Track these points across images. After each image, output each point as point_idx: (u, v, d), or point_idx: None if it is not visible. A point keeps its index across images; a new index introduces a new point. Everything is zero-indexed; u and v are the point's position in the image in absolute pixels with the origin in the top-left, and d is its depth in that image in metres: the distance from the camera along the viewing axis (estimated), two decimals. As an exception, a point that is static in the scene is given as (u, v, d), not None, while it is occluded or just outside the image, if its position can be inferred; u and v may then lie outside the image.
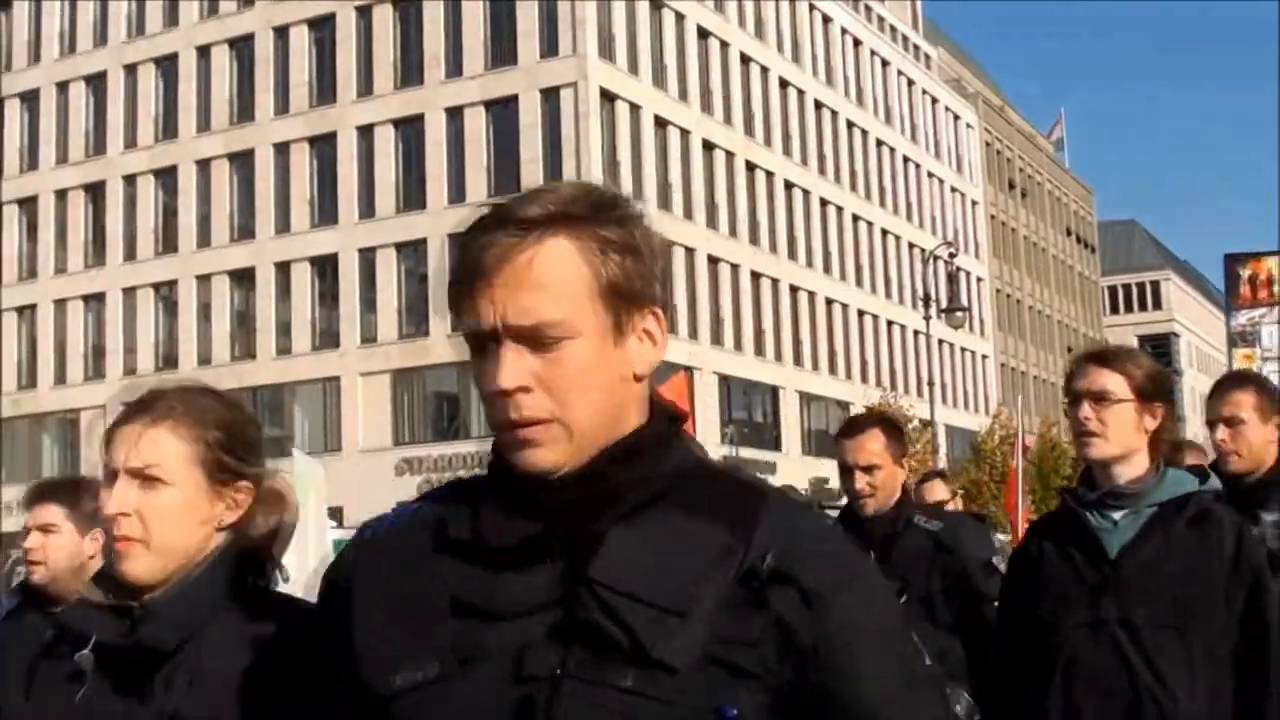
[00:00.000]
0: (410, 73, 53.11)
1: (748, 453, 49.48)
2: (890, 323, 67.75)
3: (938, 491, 10.24)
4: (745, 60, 59.52)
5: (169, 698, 2.32)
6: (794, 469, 53.26)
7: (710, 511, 1.75)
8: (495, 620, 1.74)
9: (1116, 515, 3.96)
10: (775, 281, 59.24)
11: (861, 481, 5.44)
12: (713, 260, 55.16)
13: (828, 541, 1.82)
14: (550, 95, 50.36)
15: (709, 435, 52.42)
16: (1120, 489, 3.96)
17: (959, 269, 65.34)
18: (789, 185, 61.25)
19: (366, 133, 53.28)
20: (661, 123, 53.58)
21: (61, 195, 58.58)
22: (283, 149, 54.71)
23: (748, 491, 1.82)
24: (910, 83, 74.61)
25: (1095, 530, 3.96)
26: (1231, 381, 5.63)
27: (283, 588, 2.64)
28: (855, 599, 1.74)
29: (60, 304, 57.99)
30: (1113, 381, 3.95)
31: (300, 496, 10.65)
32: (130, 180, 57.40)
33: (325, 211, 53.85)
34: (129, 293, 56.75)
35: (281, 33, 55.38)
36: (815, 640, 1.71)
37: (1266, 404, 5.32)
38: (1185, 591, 3.85)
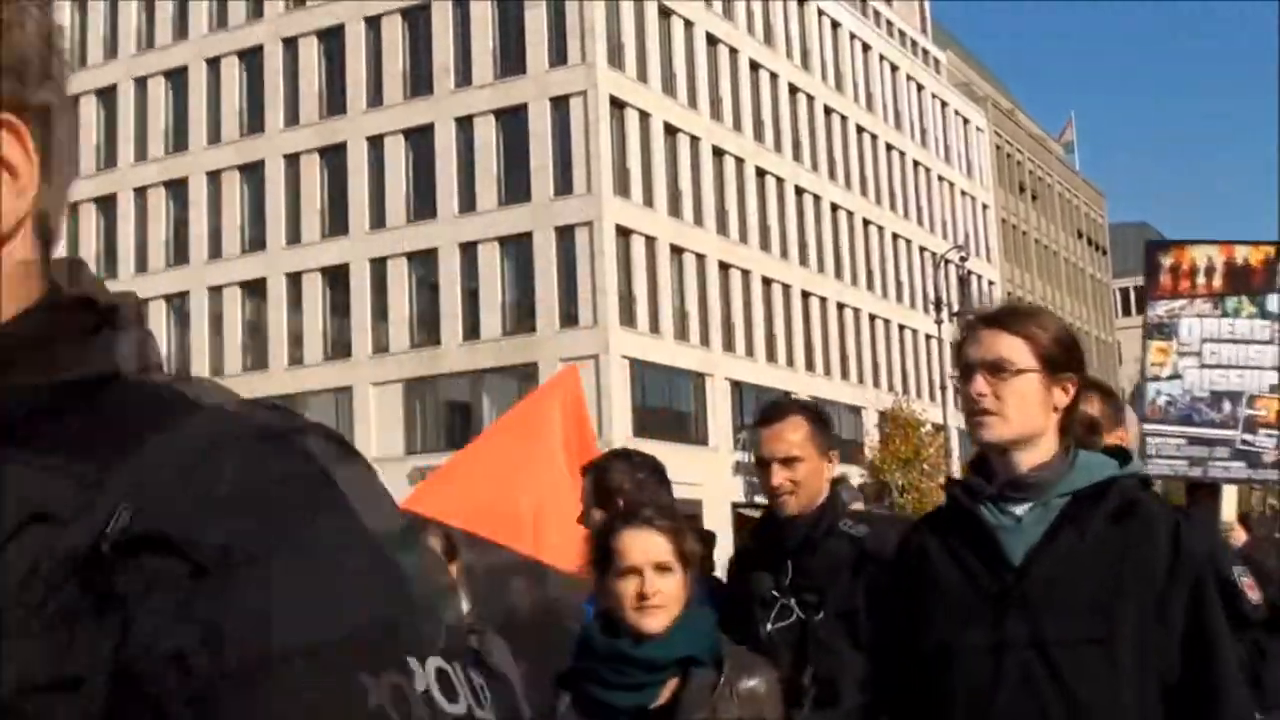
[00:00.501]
0: (420, 83, 53.18)
1: (760, 459, 49.48)
2: (902, 327, 67.67)
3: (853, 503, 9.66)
4: (754, 67, 59.52)
5: None
6: (807, 475, 53.15)
7: (69, 447, 1.01)
8: None
9: (1019, 510, 3.23)
10: (786, 287, 59.20)
11: (780, 476, 4.70)
12: (724, 266, 55.15)
13: (254, 474, 0.98)
14: (560, 104, 50.39)
15: (722, 441, 52.45)
16: (1023, 478, 3.24)
17: (970, 273, 65.48)
18: (799, 191, 61.23)
19: (376, 143, 53.35)
20: (671, 130, 53.58)
21: (73, 208, 58.01)
22: (293, 160, 54.80)
23: (149, 407, 1.09)
24: (920, 87, 74.56)
25: (993, 530, 3.23)
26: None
27: None
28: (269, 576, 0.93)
29: (72, 317, 58.02)
30: (1012, 348, 3.24)
31: None
32: (141, 192, 57.54)
33: (336, 222, 53.93)
34: (140, 305, 56.77)
35: (291, 44, 55.49)
36: (209, 665, 0.90)
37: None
38: (1109, 600, 3.10)
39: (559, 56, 50.74)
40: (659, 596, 3.61)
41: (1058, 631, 3.12)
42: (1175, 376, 8.40)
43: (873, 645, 3.74)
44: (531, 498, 6.59)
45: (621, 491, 4.79)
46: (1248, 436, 8.17)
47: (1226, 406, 8.25)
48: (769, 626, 4.63)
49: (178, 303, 56.35)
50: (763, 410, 5.02)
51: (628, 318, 49.55)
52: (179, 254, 56.69)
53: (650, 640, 3.61)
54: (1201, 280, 8.60)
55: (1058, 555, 3.16)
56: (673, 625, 3.62)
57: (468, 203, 51.34)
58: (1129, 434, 5.61)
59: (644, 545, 3.66)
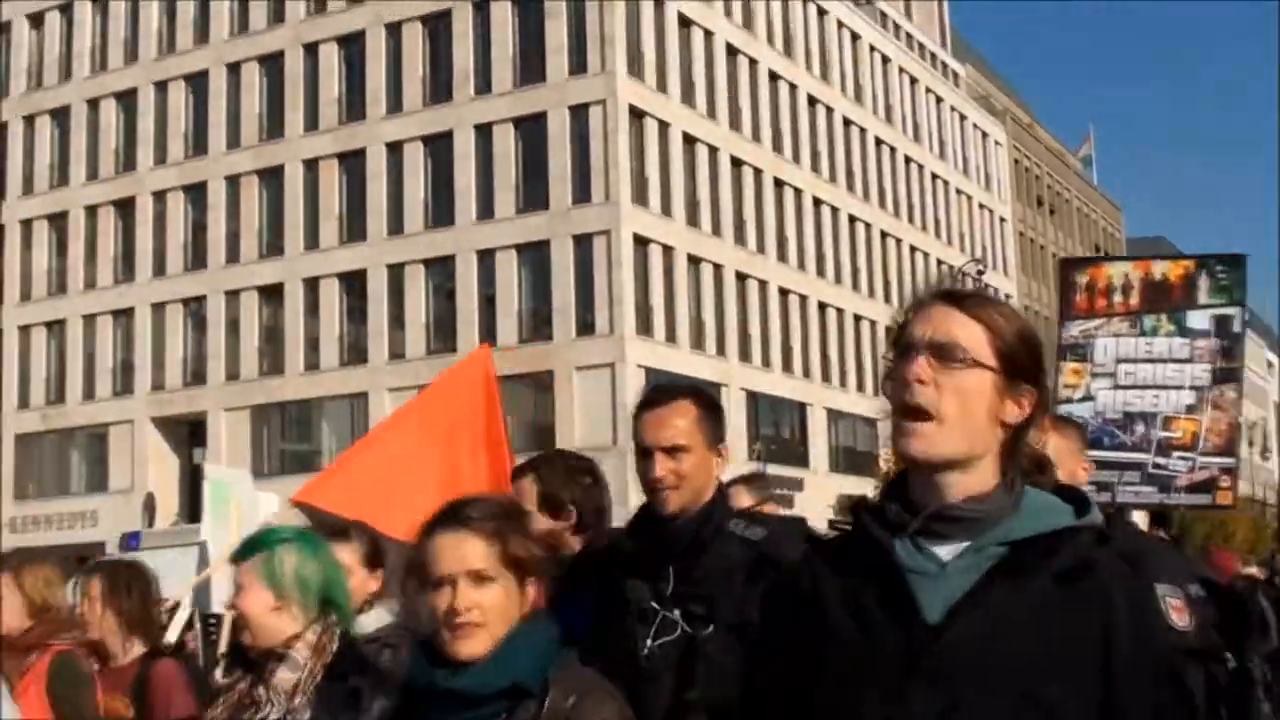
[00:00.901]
0: (439, 89, 53.25)
1: (775, 469, 49.22)
2: (918, 340, 67.46)
3: (740, 499, 7.50)
4: (774, 77, 59.52)
5: None
6: (821, 486, 53.14)
7: None
8: None
9: (944, 553, 2.46)
10: (803, 298, 59.17)
11: (663, 467, 4.07)
12: (740, 277, 55.12)
13: None
14: (579, 112, 50.42)
15: (736, 452, 52.32)
16: (954, 510, 2.48)
17: (987, 286, 65.40)
18: (817, 202, 61.20)
19: (395, 149, 53.42)
20: (690, 140, 53.59)
21: (92, 211, 58.85)
22: (312, 165, 54.89)
23: None
24: (939, 100, 74.53)
25: (907, 573, 2.45)
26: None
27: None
28: None
29: (89, 319, 58.23)
30: (969, 334, 2.51)
31: (218, 507, 10.62)
32: (160, 196, 57.65)
33: (354, 228, 54.00)
34: (158, 308, 56.95)
35: (311, 50, 55.59)
36: None
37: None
38: (1044, 682, 2.36)
39: (579, 65, 50.78)
40: (474, 613, 2.99)
41: (975, 712, 2.35)
42: (1087, 398, 8.19)
43: (744, 694, 2.77)
44: (437, 485, 6.04)
45: (574, 501, 4.59)
46: (1160, 460, 7.98)
47: (1139, 428, 8.04)
48: (649, 643, 3.96)
49: (195, 307, 56.44)
50: (647, 393, 4.33)
51: (644, 327, 49.55)
52: (197, 258, 56.79)
53: (470, 668, 2.99)
54: (1119, 298, 8.37)
55: (987, 616, 2.38)
56: (498, 648, 3.00)
57: (486, 210, 51.38)
58: (1085, 470, 5.22)
59: (456, 551, 3.04)
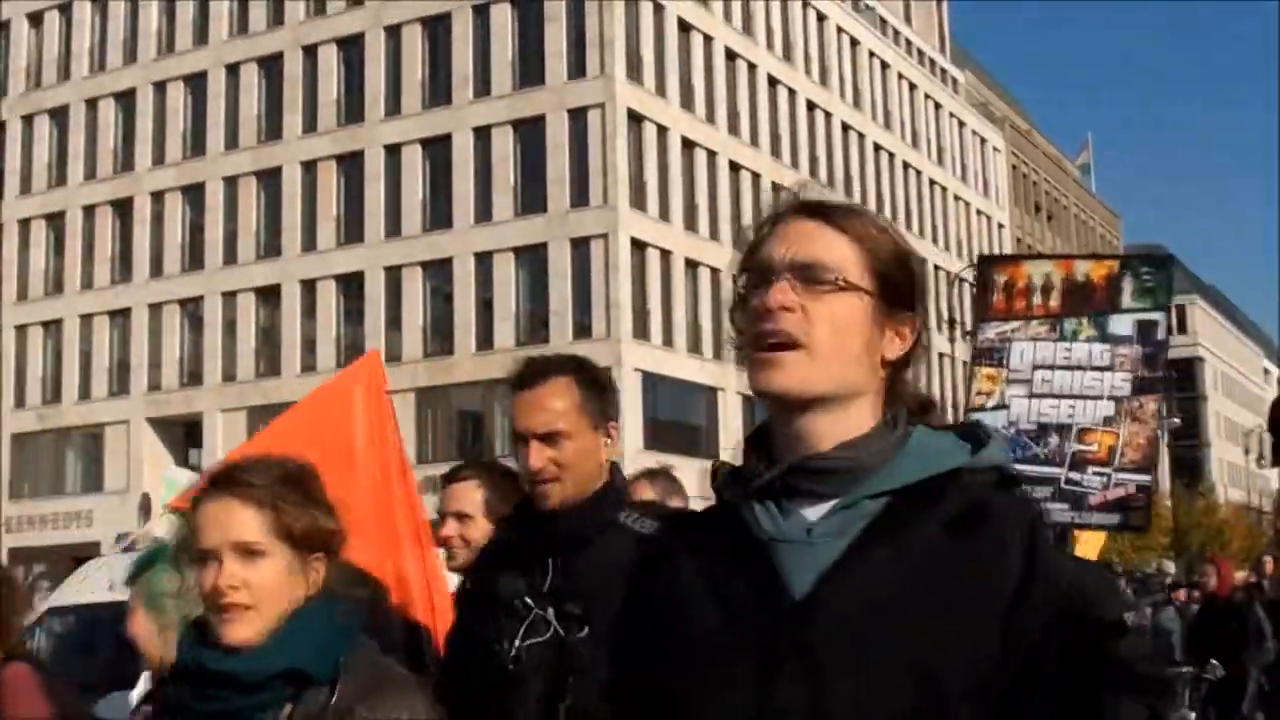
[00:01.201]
0: (438, 92, 53.24)
1: (771, 475, 49.33)
2: (915, 346, 67.49)
3: (643, 494, 6.16)
4: (773, 82, 59.53)
5: None
6: (818, 492, 53.10)
7: None
8: None
9: (811, 514, 2.05)
10: (800, 303, 59.15)
11: (539, 456, 3.59)
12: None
13: None
14: (578, 116, 50.41)
15: (733, 456, 52.26)
16: (823, 461, 2.06)
17: (985, 293, 65.37)
18: (815, 207, 61.17)
19: (394, 152, 53.40)
20: (688, 144, 53.58)
21: (89, 211, 58.81)
22: (310, 167, 54.87)
23: None
24: (938, 106, 74.55)
25: (771, 542, 2.04)
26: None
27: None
28: None
29: (86, 319, 58.18)
30: (839, 252, 2.09)
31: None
32: (158, 197, 57.61)
33: (352, 230, 53.98)
34: (155, 309, 56.91)
35: (311, 52, 55.57)
36: None
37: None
38: (934, 655, 1.93)
39: (578, 69, 50.78)
40: (241, 593, 2.65)
41: (851, 702, 1.94)
42: (1001, 406, 7.61)
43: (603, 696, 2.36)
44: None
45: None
46: (1074, 475, 7.43)
47: (1053, 440, 7.52)
48: (517, 643, 3.53)
49: (192, 307, 56.40)
50: (519, 369, 3.74)
51: (641, 330, 49.54)
52: (194, 259, 56.75)
53: (241, 651, 2.66)
54: (1038, 300, 7.78)
55: (862, 583, 1.98)
56: (279, 631, 2.67)
57: (484, 213, 51.37)
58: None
59: (222, 521, 2.71)
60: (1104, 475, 7.31)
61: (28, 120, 60.71)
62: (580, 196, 49.97)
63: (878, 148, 67.16)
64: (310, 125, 55.25)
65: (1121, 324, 7.54)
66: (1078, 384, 7.47)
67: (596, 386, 3.71)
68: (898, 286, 2.11)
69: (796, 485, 2.07)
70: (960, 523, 2.00)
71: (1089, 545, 7.21)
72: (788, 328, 2.06)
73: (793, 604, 1.99)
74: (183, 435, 56.04)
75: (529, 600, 3.54)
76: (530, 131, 51.14)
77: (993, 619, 1.95)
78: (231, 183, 56.34)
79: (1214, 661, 12.79)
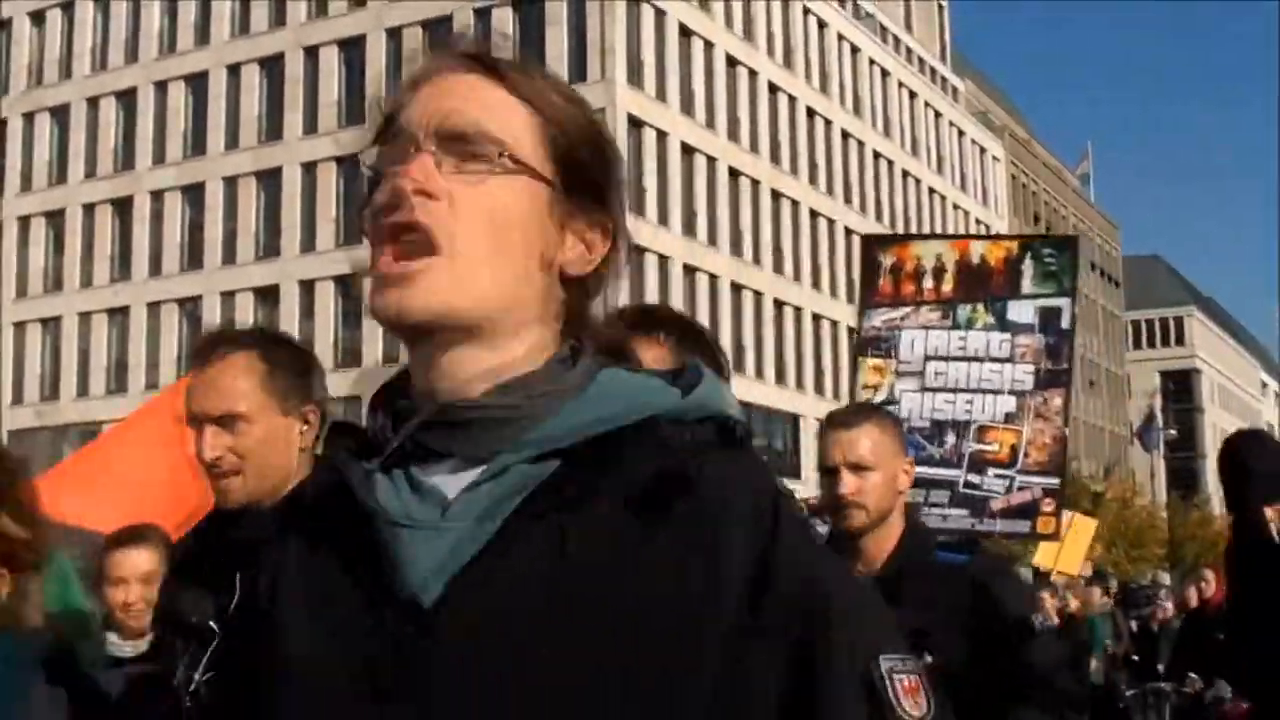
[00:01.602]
0: (439, 94, 53.25)
1: (767, 481, 49.44)
2: (912, 354, 67.54)
3: None
4: (773, 89, 59.58)
5: None
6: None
7: None
8: None
9: (452, 484, 1.43)
10: (798, 310, 59.19)
11: (215, 443, 3.04)
12: (736, 287, 55.15)
13: None
14: (577, 120, 50.40)
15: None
16: (469, 410, 1.44)
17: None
18: (814, 214, 61.24)
19: (394, 153, 53.37)
20: (688, 149, 53.62)
21: (89, 209, 58.82)
22: (310, 168, 54.90)
23: None
24: (937, 114, 74.60)
25: (392, 527, 1.41)
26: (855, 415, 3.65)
27: None
28: None
29: (85, 317, 58.20)
30: (505, 118, 1.57)
31: None
32: (158, 196, 57.63)
33: (351, 230, 53.95)
34: (153, 307, 56.93)
35: (312, 52, 55.61)
36: None
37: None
38: (607, 687, 1.34)
39: (578, 73, 50.78)
40: None
41: None
42: (890, 402, 6.90)
43: None
44: (162, 503, 5.66)
45: None
46: (973, 478, 6.70)
47: (950, 439, 6.80)
48: (196, 676, 2.86)
49: (190, 307, 56.40)
50: (196, 342, 3.21)
51: (639, 336, 49.52)
52: (193, 258, 56.77)
53: None
54: (929, 284, 7.08)
55: (510, 589, 1.38)
56: None
57: (483, 216, 51.41)
58: (907, 473, 3.77)
59: None
60: (1006, 478, 6.66)
61: (29, 118, 60.71)
62: (579, 201, 49.97)
63: (877, 155, 67.20)
64: (311, 126, 55.27)
65: (1022, 311, 6.88)
66: (975, 377, 6.78)
67: (280, 367, 3.01)
68: (586, 174, 1.55)
69: (433, 446, 1.44)
70: (651, 496, 1.40)
71: (1075, 547, 6.68)
72: (426, 220, 1.43)
73: (416, 613, 1.38)
74: (179, 434, 56.01)
75: (211, 623, 2.82)
76: (530, 135, 51.13)
77: (694, 640, 1.36)
78: (231, 183, 56.36)
79: (1193, 675, 12.76)
